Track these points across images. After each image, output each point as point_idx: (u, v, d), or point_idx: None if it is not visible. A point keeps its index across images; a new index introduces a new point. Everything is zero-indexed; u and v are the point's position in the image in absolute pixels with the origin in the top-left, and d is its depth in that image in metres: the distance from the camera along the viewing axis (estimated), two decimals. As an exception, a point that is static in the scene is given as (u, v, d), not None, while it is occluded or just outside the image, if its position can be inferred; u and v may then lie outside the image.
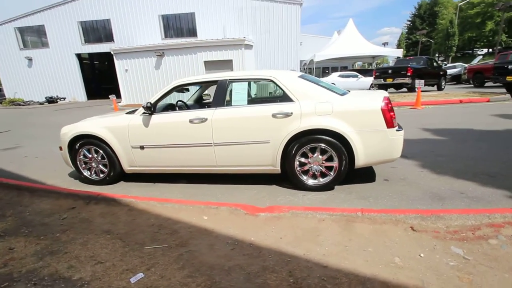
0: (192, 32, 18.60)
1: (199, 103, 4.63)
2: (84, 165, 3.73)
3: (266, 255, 1.97)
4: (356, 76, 16.81)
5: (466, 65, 22.97)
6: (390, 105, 2.92)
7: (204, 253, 2.02)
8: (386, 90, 10.12)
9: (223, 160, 3.24)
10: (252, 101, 3.23)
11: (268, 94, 8.16)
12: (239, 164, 3.25)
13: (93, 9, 18.83)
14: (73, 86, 20.55)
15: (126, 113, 3.64)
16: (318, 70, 26.25)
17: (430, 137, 5.35)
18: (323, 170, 3.08)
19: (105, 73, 26.36)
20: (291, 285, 1.67)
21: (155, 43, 16.41)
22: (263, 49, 17.96)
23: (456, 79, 21.16)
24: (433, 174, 3.50)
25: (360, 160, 2.97)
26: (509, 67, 9.95)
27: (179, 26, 18.94)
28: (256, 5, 17.46)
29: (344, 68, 26.93)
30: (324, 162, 3.05)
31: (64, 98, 20.47)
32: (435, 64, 15.41)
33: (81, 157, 3.69)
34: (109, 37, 19.41)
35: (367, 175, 3.56)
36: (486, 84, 15.44)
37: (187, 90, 4.25)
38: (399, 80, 13.45)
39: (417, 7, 56.84)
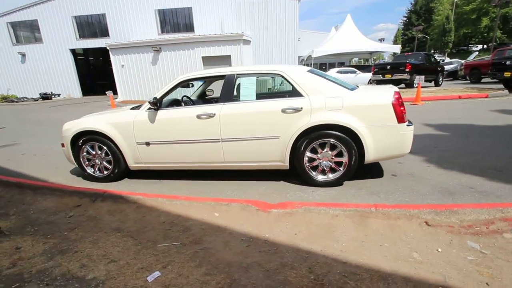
0: (189, 27, 18.37)
1: (203, 98, 4.56)
2: (87, 162, 3.65)
3: (283, 252, 1.94)
4: (355, 72, 16.80)
5: (462, 61, 23.15)
6: (400, 100, 2.90)
7: (219, 250, 1.99)
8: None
9: (231, 156, 3.20)
10: (259, 96, 3.18)
11: (267, 90, 8.10)
12: (247, 160, 3.21)
13: (87, 3, 18.44)
14: (68, 82, 20.19)
15: (131, 109, 3.56)
16: (315, 66, 26.15)
17: (433, 133, 5.36)
18: (333, 165, 3.06)
19: (100, 69, 25.97)
20: (312, 281, 1.65)
21: (151, 38, 16.17)
22: (261, 45, 17.84)
23: (453, 75, 21.28)
24: (440, 169, 3.50)
25: (370, 155, 2.95)
26: (507, 63, 10.02)
27: (175, 21, 18.67)
28: (254, 0, 17.27)
29: (342, 64, 26.92)
30: (333, 157, 3.02)
31: (59, 95, 20.13)
32: (433, 60, 15.46)
33: (84, 153, 3.61)
34: (104, 32, 19.06)
35: (374, 170, 3.55)
36: (483, 80, 15.55)
37: (192, 85, 4.19)
38: (398, 76, 13.47)
39: (413, 3, 56.89)
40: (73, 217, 2.69)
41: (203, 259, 1.89)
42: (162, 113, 3.27)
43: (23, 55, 19.86)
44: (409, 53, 16.45)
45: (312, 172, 3.11)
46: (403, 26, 57.62)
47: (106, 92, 12.14)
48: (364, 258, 1.85)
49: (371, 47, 19.33)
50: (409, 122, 2.96)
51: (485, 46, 46.06)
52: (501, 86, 11.42)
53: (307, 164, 3.08)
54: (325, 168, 3.08)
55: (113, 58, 15.53)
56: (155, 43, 14.87)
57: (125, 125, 3.36)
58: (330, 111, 2.89)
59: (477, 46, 47.80)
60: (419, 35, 41.85)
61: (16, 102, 18.26)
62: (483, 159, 3.74)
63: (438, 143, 4.62)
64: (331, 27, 25.46)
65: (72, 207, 2.91)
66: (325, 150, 3.01)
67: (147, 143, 3.33)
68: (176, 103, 3.75)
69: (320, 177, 3.08)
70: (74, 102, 17.13)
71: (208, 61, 14.54)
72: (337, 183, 3.11)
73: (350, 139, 2.91)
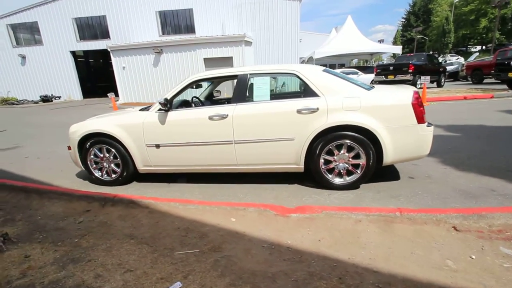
0: (190, 29, 18.31)
1: (210, 99, 4.47)
2: (94, 165, 3.55)
3: (308, 260, 1.84)
4: (357, 73, 16.75)
5: (462, 62, 23.15)
6: (420, 100, 2.81)
7: (241, 258, 1.89)
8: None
9: (244, 158, 3.10)
10: (273, 96, 3.09)
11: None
12: (261, 163, 3.11)
13: (88, 5, 18.38)
14: (68, 85, 20.09)
15: (140, 110, 3.47)
16: (316, 68, 26.08)
17: (444, 134, 5.28)
18: (350, 168, 2.97)
19: (101, 71, 25.91)
20: (344, 293, 1.55)
21: (152, 40, 16.10)
22: (262, 46, 17.79)
23: (454, 76, 21.27)
24: (457, 171, 3.42)
25: (389, 157, 2.86)
26: (511, 63, 9.97)
27: (176, 23, 18.62)
28: (255, 1, 17.24)
29: (342, 66, 26.89)
30: (350, 159, 2.93)
31: (59, 97, 20.01)
32: (435, 61, 15.44)
33: (92, 156, 3.51)
34: (105, 34, 18.99)
35: (390, 172, 3.46)
36: (485, 81, 15.52)
37: (201, 85, 4.10)
38: (401, 77, 13.41)
39: (411, 4, 57.10)
40: (83, 222, 2.59)
41: (225, 268, 1.79)
42: (172, 115, 3.17)
43: (23, 57, 19.76)
44: (411, 54, 16.41)
45: (328, 174, 3.02)
46: (402, 27, 57.78)
47: (108, 94, 12.03)
48: (396, 267, 1.75)
49: (372, 48, 19.28)
50: (429, 123, 2.88)
51: (483, 47, 46.22)
52: (504, 86, 11.38)
53: (323, 167, 2.99)
54: (342, 171, 2.99)
55: (114, 60, 15.44)
56: (157, 45, 14.79)
57: (134, 127, 3.26)
58: (347, 111, 2.81)
59: (475, 47, 47.93)
60: (418, 36, 41.95)
61: (17, 104, 18.13)
62: (498, 161, 3.66)
63: (451, 144, 4.54)
64: (330, 28, 25.45)
65: (81, 212, 2.81)
66: (342, 151, 2.92)
67: (157, 146, 3.23)
68: (185, 104, 3.66)
69: (337, 180, 2.99)
70: (75, 105, 17.02)
71: (209, 62, 14.47)
72: (353, 186, 3.01)
73: (368, 141, 2.82)
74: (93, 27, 19.22)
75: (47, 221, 2.67)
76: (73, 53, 19.87)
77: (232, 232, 2.23)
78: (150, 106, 3.48)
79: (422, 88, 9.03)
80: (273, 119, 2.93)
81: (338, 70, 17.87)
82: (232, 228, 2.28)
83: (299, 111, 2.87)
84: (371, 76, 15.35)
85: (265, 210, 2.47)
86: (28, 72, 20.02)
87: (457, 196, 2.77)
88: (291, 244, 2.04)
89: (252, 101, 3.06)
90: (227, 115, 2.99)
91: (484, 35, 43.88)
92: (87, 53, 22.70)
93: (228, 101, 4.47)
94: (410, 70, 12.95)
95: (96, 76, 25.43)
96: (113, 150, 3.40)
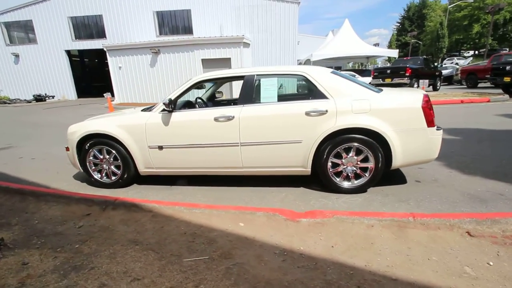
0: (188, 30, 18.20)
1: (212, 100, 4.39)
2: (94, 167, 3.43)
3: (324, 267, 1.77)
4: (354, 76, 16.83)
5: (457, 66, 23.49)
6: (429, 103, 2.78)
7: (254, 266, 1.81)
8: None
9: (250, 161, 3.03)
10: (280, 98, 3.03)
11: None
12: (267, 166, 3.04)
13: (84, 4, 18.14)
14: (62, 84, 19.75)
15: (142, 110, 3.37)
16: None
17: (445, 137, 5.22)
18: (358, 171, 2.92)
19: (96, 71, 25.58)
20: (365, 302, 1.48)
21: (150, 40, 15.94)
22: (260, 48, 17.76)
23: (448, 80, 21.56)
24: (463, 175, 3.40)
25: (398, 160, 2.82)
26: (507, 68, 10.12)
27: (174, 23, 18.49)
28: (253, 3, 17.23)
29: (338, 68, 27.06)
30: (359, 162, 2.88)
31: (53, 97, 19.65)
32: (431, 64, 15.61)
33: (91, 158, 3.39)
34: (101, 34, 18.76)
35: (396, 176, 3.42)
36: (480, 85, 15.73)
37: (204, 86, 4.02)
38: (398, 80, 13.51)
39: (406, 9, 57.94)
40: (83, 227, 2.48)
41: (238, 276, 1.71)
42: (176, 116, 3.08)
43: (17, 56, 19.39)
44: (408, 58, 16.58)
45: (336, 178, 2.96)
46: (396, 32, 58.53)
47: (104, 94, 11.84)
48: (415, 274, 1.70)
49: (369, 51, 19.44)
50: (438, 126, 2.85)
51: (476, 52, 47.08)
52: (499, 90, 11.54)
53: (331, 170, 2.93)
54: (350, 174, 2.94)
55: (110, 60, 15.23)
56: (154, 45, 14.64)
57: (136, 128, 3.16)
58: (356, 114, 2.76)
59: (468, 52, 48.81)
60: (412, 40, 42.52)
61: (9, 103, 17.75)
62: (502, 164, 3.65)
63: (453, 148, 4.53)
64: (326, 31, 25.65)
65: (81, 216, 2.70)
66: (350, 155, 2.87)
67: (160, 147, 3.14)
68: (189, 105, 3.58)
69: (345, 184, 2.93)
70: (69, 104, 16.74)
71: (207, 63, 14.37)
72: (361, 190, 2.97)
73: (377, 144, 2.78)
74: (89, 26, 18.97)
75: (45, 226, 2.56)
76: (68, 52, 19.56)
77: (242, 237, 2.15)
78: (152, 107, 3.39)
79: (420, 91, 9.07)
80: (281, 121, 2.87)
81: (335, 73, 17.95)
82: (241, 234, 2.20)
83: (307, 113, 2.81)
84: (368, 79, 15.44)
85: (274, 214, 2.40)
86: (21, 71, 19.63)
87: (466, 200, 2.74)
88: (303, 250, 1.97)
89: (259, 102, 2.99)
90: (234, 117, 2.92)
91: (476, 40, 44.75)
92: (82, 52, 22.38)
93: (230, 102, 4.40)
94: (407, 74, 13.05)
95: (91, 75, 25.09)
96: (113, 151, 3.29)
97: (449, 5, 41.96)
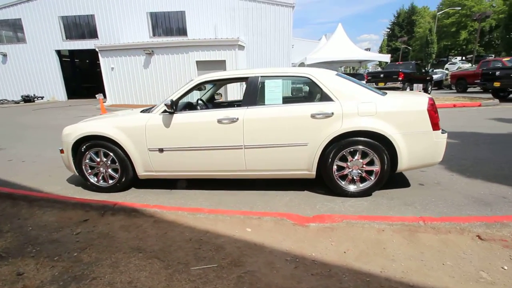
0: (182, 31, 18.07)
1: (211, 102, 4.31)
2: (90, 171, 3.30)
3: (339, 275, 1.72)
4: (347, 80, 16.98)
5: (446, 71, 24.06)
6: (435, 106, 2.78)
7: (266, 273, 1.74)
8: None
9: (254, 164, 2.96)
10: (285, 100, 2.99)
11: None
12: (271, 169, 2.98)
13: (75, 4, 17.79)
14: (52, 85, 19.26)
15: (141, 112, 3.27)
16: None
17: (442, 140, 5.33)
18: (363, 174, 2.89)
19: (87, 71, 25.10)
20: (385, 311, 1.43)
21: (143, 41, 15.74)
22: (255, 51, 17.77)
23: (438, 85, 22.04)
24: (464, 178, 3.41)
25: (404, 164, 2.80)
26: (497, 73, 10.39)
27: (168, 25, 18.33)
28: (248, 6, 17.26)
29: (331, 72, 27.25)
30: (364, 166, 2.85)
31: (42, 97, 19.14)
32: (422, 69, 15.93)
33: (87, 161, 3.26)
34: (93, 34, 18.42)
35: (399, 179, 3.41)
36: (469, 90, 16.13)
37: (205, 88, 3.94)
38: (391, 84, 13.71)
39: (396, 15, 59.24)
40: (81, 234, 2.36)
41: (250, 285, 1.63)
42: (178, 117, 3.00)
43: (4, 55, 18.83)
44: (401, 62, 16.87)
45: (341, 181, 2.92)
46: (387, 37, 59.69)
47: (96, 95, 11.57)
48: (431, 280, 1.66)
49: (362, 55, 19.64)
50: (443, 130, 2.85)
51: (463, 57, 48.44)
52: (488, 95, 11.84)
53: (336, 173, 2.90)
54: (355, 177, 2.90)
55: (103, 60, 14.95)
56: (148, 46, 14.45)
57: (136, 129, 3.06)
58: (362, 117, 2.73)
59: (456, 58, 50.18)
60: (402, 46, 43.45)
61: (-5, 104, 17.19)
62: (501, 168, 3.70)
63: (452, 151, 4.56)
64: (318, 36, 25.90)
65: (78, 222, 2.57)
66: (356, 158, 2.84)
67: (161, 150, 3.04)
68: (189, 106, 3.49)
69: (351, 187, 2.90)
70: (59, 105, 16.32)
71: (202, 65, 14.27)
72: (366, 193, 2.93)
73: (383, 147, 2.76)
74: (80, 26, 18.60)
75: (40, 233, 2.42)
76: (58, 52, 19.13)
77: (250, 243, 2.07)
78: (151, 108, 3.29)
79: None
80: (286, 123, 2.82)
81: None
82: (249, 239, 2.13)
83: (313, 116, 2.77)
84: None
85: (282, 219, 2.34)
86: (9, 71, 19.07)
87: (470, 204, 2.74)
88: (316, 256, 1.91)
89: (264, 104, 2.94)
90: (238, 119, 2.85)
91: (464, 46, 46.08)
92: (72, 52, 21.93)
93: (230, 104, 4.34)
94: (400, 78, 13.27)
95: (81, 76, 24.60)
96: (111, 154, 3.17)
97: (438, 12, 43.12)
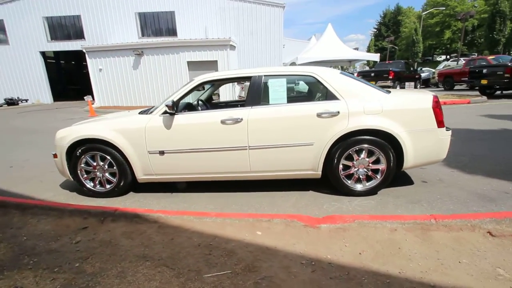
0: (172, 32, 17.80)
1: (209, 103, 4.22)
2: (86, 175, 3.15)
3: (358, 277, 1.67)
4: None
5: (433, 69, 24.65)
6: (439, 104, 2.79)
7: (284, 279, 1.67)
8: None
9: (258, 165, 2.90)
10: (289, 99, 2.93)
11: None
12: (276, 169, 2.92)
13: (60, 4, 17.24)
14: (36, 87, 18.61)
15: (139, 113, 3.15)
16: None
17: (438, 137, 5.40)
18: (369, 173, 2.87)
19: (73, 73, 24.43)
20: (411, 314, 1.39)
21: (132, 42, 15.41)
22: (246, 51, 17.69)
23: (425, 83, 22.55)
24: (465, 174, 3.45)
25: (409, 162, 2.80)
26: (484, 71, 10.68)
27: (157, 25, 18.02)
28: (239, 6, 17.17)
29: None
30: (370, 164, 2.83)
31: (27, 100, 18.46)
32: (411, 68, 16.24)
33: (83, 165, 3.12)
34: (79, 34, 17.90)
35: (402, 177, 3.41)
36: (456, 88, 16.54)
37: (203, 88, 3.85)
38: (381, 83, 13.91)
39: (382, 15, 60.39)
40: (81, 242, 2.23)
41: (269, 292, 1.57)
42: (179, 118, 2.90)
43: (-15, 57, 18.08)
44: (390, 62, 17.15)
45: (347, 180, 2.89)
46: (374, 37, 60.76)
47: (85, 97, 11.25)
48: (451, 279, 1.63)
49: (352, 55, 19.84)
50: (447, 127, 2.86)
51: (447, 56, 49.82)
52: (474, 93, 12.16)
53: (342, 173, 2.86)
54: (361, 176, 2.88)
55: (90, 61, 14.54)
56: (137, 47, 14.15)
57: (135, 132, 2.94)
58: (368, 115, 2.71)
59: (441, 57, 51.56)
60: (389, 45, 44.31)
61: (-24, 108, 16.47)
62: (499, 163, 3.76)
63: (450, 148, 4.62)
64: (306, 36, 26.05)
65: (76, 230, 2.44)
66: (362, 156, 2.81)
67: (161, 152, 2.93)
68: (189, 107, 3.39)
69: (358, 186, 2.87)
70: (45, 108, 15.79)
71: (193, 66, 14.08)
72: (372, 192, 2.92)
73: (389, 145, 2.74)
74: (66, 27, 18.04)
75: (36, 242, 2.28)
76: (43, 53, 18.50)
77: (262, 247, 2.01)
78: (150, 109, 3.18)
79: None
80: (292, 123, 2.76)
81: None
82: (260, 243, 2.06)
83: (319, 115, 2.72)
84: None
85: (292, 221, 2.28)
86: (-9, 73, 18.32)
87: (475, 200, 2.76)
88: (331, 259, 1.86)
89: (268, 104, 2.87)
90: (242, 119, 2.78)
91: (448, 46, 47.40)
92: (58, 54, 21.27)
93: (229, 104, 4.26)
94: (391, 77, 13.49)
95: (67, 78, 23.92)
96: (108, 157, 3.04)
97: (422, 12, 44.21)
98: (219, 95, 4.64)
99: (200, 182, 3.32)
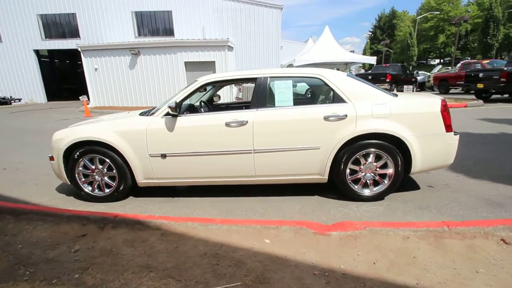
0: (169, 32, 17.65)
1: (211, 104, 4.13)
2: (84, 179, 3.04)
3: (375, 289, 1.60)
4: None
5: (428, 73, 24.93)
6: (447, 107, 2.75)
7: (297, 291, 1.60)
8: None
9: (264, 169, 2.82)
10: (296, 102, 2.86)
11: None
12: (282, 174, 2.85)
13: (55, 1, 16.97)
14: (30, 86, 18.26)
15: (140, 115, 3.05)
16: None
17: (439, 141, 5.39)
18: (377, 178, 2.81)
19: (67, 72, 24.08)
20: (435, 330, 1.32)
21: (129, 41, 15.22)
22: (244, 52, 17.63)
23: (420, 86, 22.78)
24: (471, 179, 3.42)
25: (417, 166, 2.75)
26: (480, 75, 10.78)
27: (154, 25, 17.85)
28: (237, 7, 17.11)
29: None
30: (378, 169, 2.78)
31: (20, 100, 18.07)
32: (407, 71, 16.36)
33: (81, 168, 3.00)
34: (74, 33, 17.63)
35: (406, 181, 3.36)
36: (451, 91, 16.72)
37: (205, 89, 3.76)
38: (379, 86, 13.95)
39: (377, 19, 61.03)
40: (80, 251, 2.12)
41: (284, 306, 1.48)
42: (182, 120, 2.80)
43: (-23, 55, 17.68)
44: (387, 65, 17.26)
45: (354, 185, 2.83)
46: (369, 40, 61.32)
47: (80, 97, 11.04)
48: (471, 291, 1.58)
49: (349, 57, 19.98)
50: (455, 131, 2.82)
51: (441, 60, 50.50)
52: (470, 96, 12.30)
53: (349, 177, 2.80)
54: (368, 181, 2.82)
55: (85, 61, 14.31)
56: (134, 46, 13.97)
57: (136, 134, 2.84)
58: (376, 119, 2.66)
59: (435, 60, 52.23)
60: (384, 48, 44.75)
61: (-34, 107, 16.07)
62: (503, 167, 3.74)
63: (451, 152, 4.61)
64: (302, 38, 26.14)
65: (75, 237, 2.32)
66: (369, 161, 2.76)
67: (163, 155, 2.83)
68: (191, 108, 3.30)
69: (366, 192, 2.81)
70: (38, 108, 15.48)
71: (191, 66, 13.96)
72: (379, 197, 2.86)
73: (397, 149, 2.69)
74: (61, 25, 17.74)
75: (32, 251, 2.16)
76: (37, 52, 18.17)
77: (272, 257, 1.93)
78: (150, 110, 3.08)
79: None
80: (298, 126, 2.69)
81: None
82: (270, 252, 1.98)
83: (326, 118, 2.66)
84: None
85: (301, 228, 2.20)
86: (-18, 72, 17.91)
87: (484, 205, 2.72)
88: (345, 269, 1.78)
89: (274, 106, 2.80)
90: (247, 122, 2.70)
91: (442, 49, 48.06)
92: (52, 52, 20.91)
93: (230, 106, 4.18)
94: (388, 80, 13.54)
95: (62, 77, 23.56)
96: (107, 160, 2.93)
97: (417, 16, 44.75)
98: (219, 97, 4.54)
99: (202, 186, 3.23)
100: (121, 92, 14.62)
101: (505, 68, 10.29)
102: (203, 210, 2.83)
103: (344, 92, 2.74)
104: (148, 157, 2.86)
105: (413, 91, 15.45)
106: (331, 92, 2.80)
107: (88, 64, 14.38)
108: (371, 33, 62.59)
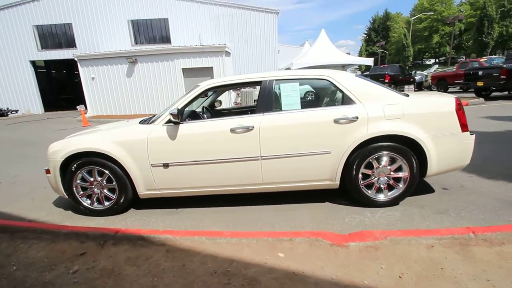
0: (166, 39, 17.61)
1: (213, 110, 4.00)
2: (82, 192, 2.88)
3: (405, 307, 1.45)
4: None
5: (425, 73, 25.02)
6: (462, 106, 2.63)
7: (320, 313, 1.44)
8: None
9: (272, 176, 2.68)
10: (303, 105, 2.74)
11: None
12: (291, 180, 2.71)
13: (51, 12, 16.93)
14: (27, 97, 18.10)
15: (140, 123, 2.91)
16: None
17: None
18: (391, 182, 2.67)
19: (64, 82, 23.97)
20: None
21: (126, 49, 15.15)
22: (241, 57, 17.60)
23: (418, 86, 22.80)
24: (485, 179, 3.29)
25: (433, 169, 2.62)
26: (479, 73, 10.74)
27: (151, 33, 17.82)
28: (233, 13, 17.13)
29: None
30: (392, 172, 2.64)
31: (17, 111, 17.90)
32: (405, 72, 16.36)
33: (78, 181, 2.85)
34: (70, 43, 17.56)
35: (420, 184, 3.21)
36: (449, 90, 16.70)
37: (206, 95, 3.64)
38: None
39: (371, 21, 61.57)
40: (79, 272, 1.96)
41: (307, 331, 1.33)
42: (185, 128, 2.67)
43: (-28, 67, 17.54)
44: (386, 65, 17.27)
45: (367, 190, 2.69)
46: (364, 43, 61.77)
47: (77, 107, 10.91)
48: (512, 306, 1.43)
49: (346, 60, 20.02)
50: (471, 131, 2.70)
51: (436, 60, 50.85)
52: (470, 95, 12.25)
53: (362, 182, 2.67)
54: (382, 186, 2.69)
55: (82, 70, 14.20)
56: (131, 54, 13.89)
57: (136, 143, 2.70)
58: (389, 120, 2.53)
59: (430, 60, 52.58)
60: (379, 50, 45.04)
61: (-38, 120, 15.87)
62: (516, 166, 3.62)
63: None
64: (298, 42, 26.24)
65: (73, 256, 2.16)
66: (383, 164, 2.62)
67: (166, 165, 2.69)
68: (193, 115, 3.17)
69: (380, 197, 2.67)
70: (36, 119, 15.30)
71: (188, 73, 13.88)
72: (394, 202, 2.72)
73: (412, 152, 2.56)
74: (57, 36, 17.67)
75: (27, 273, 2.00)
76: (33, 63, 18.06)
77: (288, 273, 1.77)
78: (151, 118, 2.94)
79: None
80: (307, 130, 2.56)
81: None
82: (285, 268, 1.83)
83: (336, 121, 2.53)
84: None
85: (317, 239, 2.06)
86: (-22, 84, 17.76)
87: (505, 207, 2.59)
88: (369, 285, 1.64)
89: (281, 110, 2.68)
90: (253, 127, 2.57)
91: (436, 49, 48.43)
92: (49, 63, 20.80)
93: (232, 111, 4.06)
94: (387, 80, 13.49)
95: (58, 88, 23.43)
96: (106, 172, 2.79)
97: (411, 17, 45.15)
98: (221, 102, 4.42)
99: (205, 196, 3.08)
100: (119, 101, 14.50)
101: (504, 66, 10.25)
102: (208, 222, 2.68)
103: (353, 93, 2.61)
104: (150, 167, 2.72)
105: (413, 91, 15.47)
106: (340, 94, 2.68)
107: (85, 73, 14.28)
108: (365, 36, 63.09)
